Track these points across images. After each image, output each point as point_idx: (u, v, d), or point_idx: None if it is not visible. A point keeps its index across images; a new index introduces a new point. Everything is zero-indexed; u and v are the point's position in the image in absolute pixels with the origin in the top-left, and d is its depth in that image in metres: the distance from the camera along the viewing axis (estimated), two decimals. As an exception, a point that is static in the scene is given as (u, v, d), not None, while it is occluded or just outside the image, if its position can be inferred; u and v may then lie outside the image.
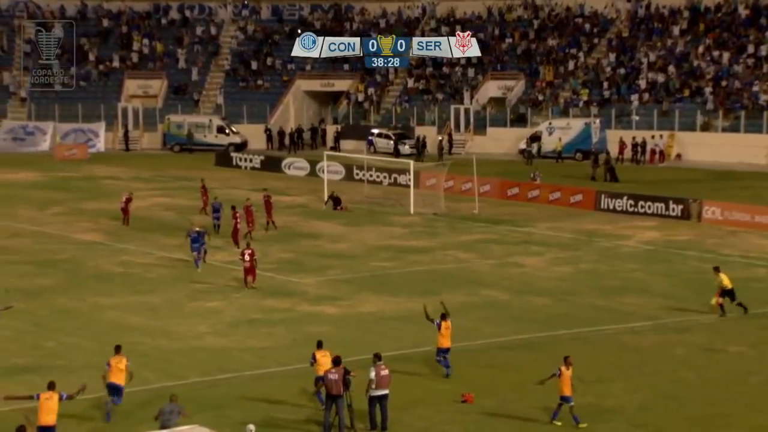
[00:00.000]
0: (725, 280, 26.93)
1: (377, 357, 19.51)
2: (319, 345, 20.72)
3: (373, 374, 19.12)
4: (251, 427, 16.74)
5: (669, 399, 21.12)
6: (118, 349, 20.18)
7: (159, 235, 38.25)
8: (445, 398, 20.98)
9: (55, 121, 67.66)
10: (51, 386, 17.81)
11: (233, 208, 36.56)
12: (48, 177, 54.33)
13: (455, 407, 20.54)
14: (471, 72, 70.42)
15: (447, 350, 22.38)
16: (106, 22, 76.19)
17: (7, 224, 40.14)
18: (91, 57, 73.10)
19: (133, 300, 28.80)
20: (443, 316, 22.69)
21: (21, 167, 57.53)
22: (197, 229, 32.45)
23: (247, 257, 29.92)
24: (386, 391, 19.17)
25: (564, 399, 19.53)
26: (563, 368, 19.60)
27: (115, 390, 19.69)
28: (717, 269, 27.50)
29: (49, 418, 17.38)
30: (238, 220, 35.51)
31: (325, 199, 45.14)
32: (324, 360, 20.08)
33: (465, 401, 20.73)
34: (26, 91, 70.50)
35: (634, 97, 64.32)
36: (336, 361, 19.28)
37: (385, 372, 19.23)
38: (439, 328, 22.32)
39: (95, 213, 42.51)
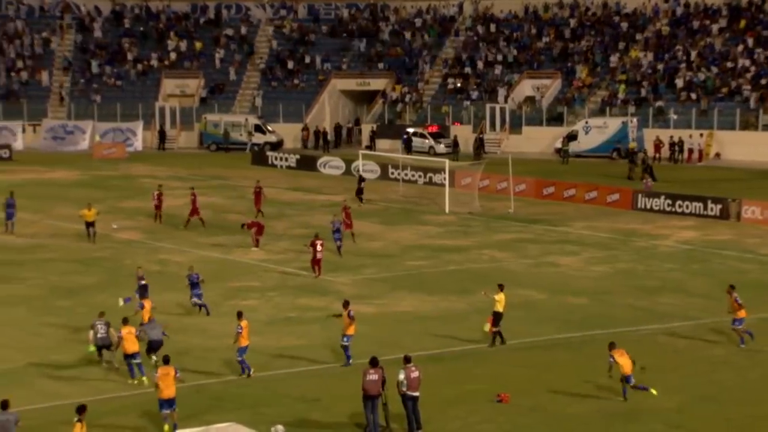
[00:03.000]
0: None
1: (407, 359, 19.46)
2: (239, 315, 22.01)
3: (402, 376, 19.09)
4: (279, 427, 16.75)
5: (707, 400, 20.90)
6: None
7: (195, 234, 38.49)
8: (481, 398, 20.91)
9: (94, 120, 68.36)
10: (166, 361, 19.20)
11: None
12: (87, 176, 54.86)
13: (490, 407, 20.47)
14: (507, 71, 70.15)
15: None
16: (144, 22, 76.83)
17: (48, 222, 40.58)
18: (130, 56, 73.75)
19: (169, 298, 28.97)
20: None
21: (61, 166, 58.15)
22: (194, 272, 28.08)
23: (319, 247, 31.08)
24: (417, 394, 19.10)
25: (625, 379, 20.44)
26: (614, 354, 20.52)
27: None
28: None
29: (168, 391, 18.84)
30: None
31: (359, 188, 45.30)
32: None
33: (500, 401, 20.65)
34: (66, 90, 71.28)
35: (671, 96, 63.76)
36: (373, 362, 19.27)
37: (415, 374, 19.18)
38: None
39: (133, 211, 42.85)
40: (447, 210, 44.07)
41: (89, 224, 36.30)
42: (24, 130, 67.64)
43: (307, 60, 73.84)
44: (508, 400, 20.64)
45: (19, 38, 73.79)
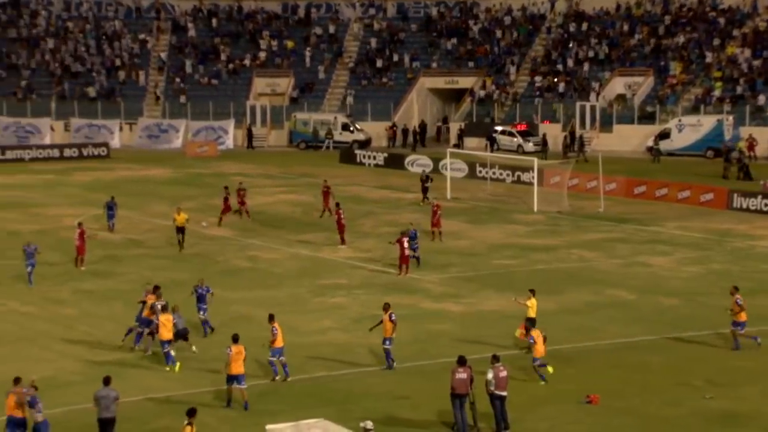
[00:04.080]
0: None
1: (495, 358, 19.38)
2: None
3: (491, 375, 19.01)
4: (369, 423, 16.84)
5: (806, 406, 20.30)
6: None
7: (284, 231, 38.95)
8: (569, 398, 20.69)
9: (187, 119, 69.74)
10: (235, 339, 20.60)
11: (338, 204, 37.08)
12: (180, 173, 55.97)
13: (580, 408, 20.24)
14: (597, 68, 69.18)
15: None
16: (237, 22, 78.03)
17: (143, 219, 41.53)
18: (223, 56, 74.99)
19: (259, 294, 29.40)
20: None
21: (155, 164, 59.46)
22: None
23: (406, 245, 31.17)
24: (505, 393, 19.01)
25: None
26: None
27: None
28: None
29: (239, 368, 20.24)
30: (342, 217, 35.91)
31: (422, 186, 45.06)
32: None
33: (590, 402, 20.40)
34: (161, 90, 72.87)
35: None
36: (461, 361, 19.24)
37: (503, 373, 19.09)
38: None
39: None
40: (535, 209, 43.69)
41: (179, 229, 35.22)
42: (121, 129, 69.38)
43: (396, 58, 74.02)
44: (597, 401, 20.37)
45: (117, 39, 75.73)
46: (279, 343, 21.93)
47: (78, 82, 71.93)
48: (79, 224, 33.24)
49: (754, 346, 23.98)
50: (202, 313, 25.38)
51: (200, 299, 25.40)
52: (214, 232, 39.10)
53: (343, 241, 35.87)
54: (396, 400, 20.71)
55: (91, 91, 70.91)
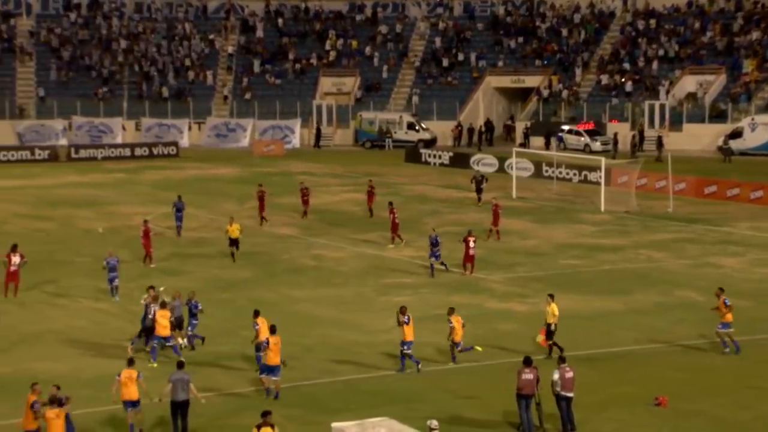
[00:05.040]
0: None
1: (561, 359, 19.23)
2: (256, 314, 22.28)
3: (557, 376, 18.86)
4: (434, 422, 16.82)
5: None
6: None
7: (349, 230, 39.10)
8: (637, 400, 20.43)
9: (254, 118, 70.43)
10: (273, 330, 21.08)
11: (390, 203, 36.91)
12: (247, 172, 56.53)
13: (648, 410, 19.97)
14: (667, 66, 68.14)
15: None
16: (303, 22, 78.58)
17: (210, 217, 42.05)
18: (290, 56, 75.55)
19: (324, 293, 29.56)
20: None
21: (223, 163, 60.16)
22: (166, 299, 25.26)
23: (471, 244, 31.11)
24: (571, 394, 18.84)
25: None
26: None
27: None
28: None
29: (276, 359, 20.77)
30: (396, 215, 35.84)
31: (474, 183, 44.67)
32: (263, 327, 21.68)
33: (658, 404, 20.12)
34: (229, 89, 73.71)
35: None
36: (527, 361, 19.13)
37: (569, 374, 18.91)
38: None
39: (290, 208, 43.87)
40: (602, 208, 43.21)
41: (233, 241, 33.47)
42: (190, 128, 70.36)
43: (462, 57, 73.81)
44: (666, 403, 20.07)
45: (187, 39, 76.82)
46: (262, 337, 22.05)
47: (149, 82, 73.11)
48: (145, 222, 33.78)
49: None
50: (190, 328, 24.34)
51: (191, 315, 24.36)
52: (279, 230, 39.41)
53: (393, 240, 35.78)
54: (462, 400, 20.66)
55: (164, 91, 72.06)
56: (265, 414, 16.79)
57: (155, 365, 22.55)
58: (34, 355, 23.65)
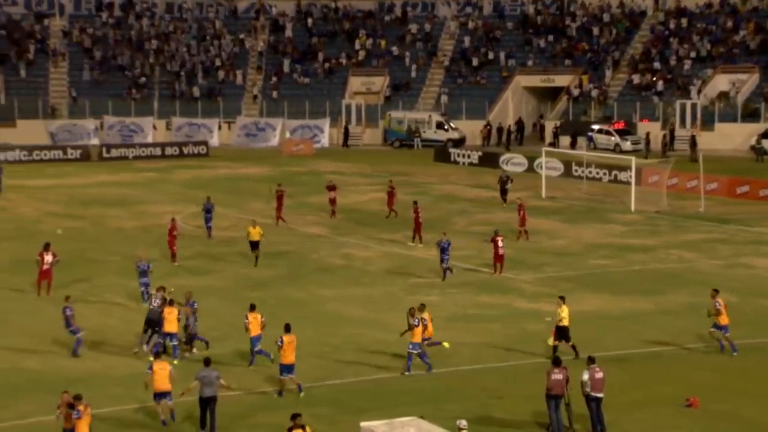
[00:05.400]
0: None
1: (591, 360, 19.13)
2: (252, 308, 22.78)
3: (586, 377, 18.76)
4: (463, 422, 16.81)
5: None
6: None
7: (378, 230, 39.11)
8: (668, 401, 20.29)
9: (283, 117, 70.66)
10: (287, 329, 21.11)
11: (415, 203, 36.85)
12: (276, 171, 56.66)
13: (678, 411, 19.83)
14: (699, 65, 67.57)
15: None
16: (333, 21, 78.71)
17: (239, 217, 42.22)
18: (320, 56, 75.70)
19: (353, 292, 29.60)
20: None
21: (252, 162, 60.39)
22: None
23: (500, 243, 31.11)
24: (601, 395, 18.74)
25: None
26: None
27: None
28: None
29: (291, 357, 20.80)
30: (420, 215, 35.81)
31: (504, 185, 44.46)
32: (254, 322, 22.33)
33: (689, 405, 19.97)
34: (258, 89, 73.99)
35: None
36: (557, 361, 19.06)
37: (599, 375, 18.82)
38: None
39: (319, 207, 43.97)
40: (633, 208, 42.95)
41: (254, 245, 32.82)
42: (219, 128, 70.70)
43: (491, 57, 73.62)
44: (698, 405, 19.92)
45: (217, 39, 77.20)
46: (255, 332, 22.61)
47: (180, 82, 73.53)
48: (172, 220, 33.95)
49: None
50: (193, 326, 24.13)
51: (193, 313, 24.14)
52: (308, 229, 39.50)
53: (414, 239, 35.72)
54: (490, 400, 20.61)
55: (196, 91, 72.47)
56: (295, 416, 16.69)
57: (176, 362, 22.55)
58: (66, 353, 23.85)
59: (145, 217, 42.25)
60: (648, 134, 61.88)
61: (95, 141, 67.04)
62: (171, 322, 23.23)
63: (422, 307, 23.17)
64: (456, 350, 23.79)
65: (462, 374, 22.40)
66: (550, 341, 23.26)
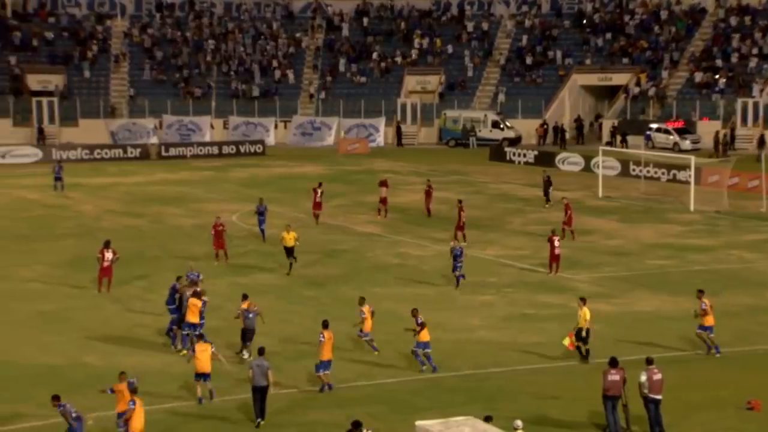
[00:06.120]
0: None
1: (649, 361, 18.92)
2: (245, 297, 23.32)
3: (644, 378, 18.56)
4: (519, 422, 16.74)
5: None
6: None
7: (433, 229, 39.06)
8: (728, 404, 20.00)
9: (339, 116, 70.92)
10: (325, 325, 21.43)
11: (459, 201, 36.68)
12: (332, 170, 56.92)
13: (739, 414, 19.52)
14: (762, 63, 66.35)
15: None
16: (389, 20, 78.77)
17: (295, 215, 42.44)
18: (375, 55, 75.82)
19: (407, 291, 29.60)
20: None
21: (308, 161, 60.69)
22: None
23: (557, 243, 30.96)
24: (659, 397, 18.52)
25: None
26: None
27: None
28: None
29: (330, 353, 21.15)
30: (463, 214, 35.73)
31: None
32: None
33: (751, 408, 19.65)
34: (315, 88, 74.38)
35: None
36: (613, 362, 18.89)
37: (657, 376, 18.59)
38: None
39: (374, 206, 44.02)
40: (692, 208, 42.36)
41: (289, 251, 31.64)
42: (276, 127, 71.22)
43: (549, 55, 73.10)
44: (760, 407, 19.59)
45: (274, 39, 77.74)
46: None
47: (237, 81, 74.19)
48: (217, 218, 34.17)
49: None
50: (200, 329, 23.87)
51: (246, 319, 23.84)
52: (364, 228, 39.59)
53: (456, 237, 35.07)
54: (546, 400, 20.49)
55: (254, 90, 73.09)
56: (357, 425, 16.16)
57: (185, 352, 22.88)
58: (125, 349, 24.20)
59: (202, 215, 42.64)
60: (717, 133, 60.58)
61: (154, 140, 67.93)
62: (194, 314, 23.62)
63: (362, 300, 23.75)
64: (511, 350, 23.66)
65: (517, 374, 22.30)
66: (566, 342, 22.69)
